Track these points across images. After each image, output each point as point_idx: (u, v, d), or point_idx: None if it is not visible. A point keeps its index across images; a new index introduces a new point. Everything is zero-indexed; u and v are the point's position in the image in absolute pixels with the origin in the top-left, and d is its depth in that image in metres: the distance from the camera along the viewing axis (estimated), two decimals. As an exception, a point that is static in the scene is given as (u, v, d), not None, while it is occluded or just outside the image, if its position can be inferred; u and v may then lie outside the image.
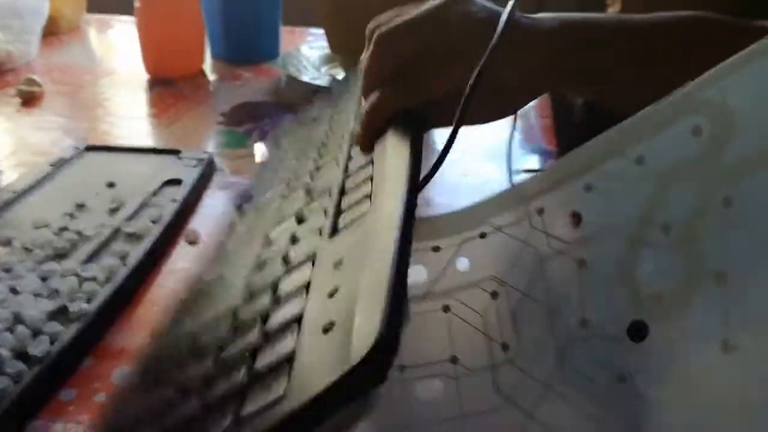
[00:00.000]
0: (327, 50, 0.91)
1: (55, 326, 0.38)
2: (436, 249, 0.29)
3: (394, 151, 0.29)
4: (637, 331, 0.21)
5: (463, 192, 0.58)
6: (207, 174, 0.59)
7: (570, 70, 0.38)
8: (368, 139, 0.34)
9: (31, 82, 0.80)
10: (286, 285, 0.23)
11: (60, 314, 0.39)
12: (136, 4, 0.85)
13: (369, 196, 0.26)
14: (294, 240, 0.28)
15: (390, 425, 0.26)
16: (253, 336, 0.21)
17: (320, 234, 0.26)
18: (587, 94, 0.45)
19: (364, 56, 0.38)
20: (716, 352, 0.19)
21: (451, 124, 0.32)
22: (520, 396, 0.23)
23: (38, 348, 0.36)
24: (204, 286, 0.36)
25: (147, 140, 0.70)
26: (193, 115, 0.77)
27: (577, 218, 0.24)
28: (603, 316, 0.22)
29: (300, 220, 0.30)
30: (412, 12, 0.37)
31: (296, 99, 0.81)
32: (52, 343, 0.37)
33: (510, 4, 0.35)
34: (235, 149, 0.67)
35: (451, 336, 0.26)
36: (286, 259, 0.26)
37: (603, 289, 0.22)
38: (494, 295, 0.26)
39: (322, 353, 0.18)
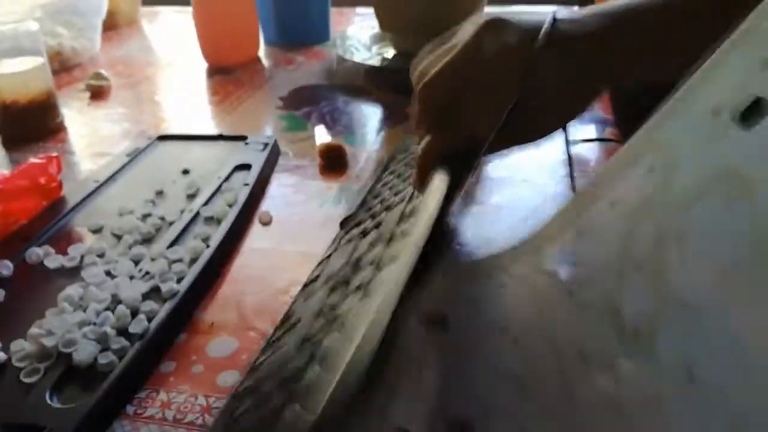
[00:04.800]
0: (376, 29, 0.91)
1: (150, 305, 0.41)
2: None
3: (431, 192, 0.33)
4: None
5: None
6: (273, 157, 0.62)
7: (621, 65, 0.37)
8: (420, 180, 0.38)
9: (99, 76, 0.83)
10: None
11: (154, 294, 0.42)
12: (192, -5, 0.87)
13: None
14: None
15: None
16: None
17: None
18: (642, 78, 0.43)
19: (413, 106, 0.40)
20: (682, 382, 0.20)
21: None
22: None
23: (138, 326, 0.39)
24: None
25: (211, 126, 0.73)
26: (252, 100, 0.79)
27: None
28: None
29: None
30: (447, 46, 0.38)
31: (349, 80, 0.83)
32: (149, 320, 0.39)
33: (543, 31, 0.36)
34: (296, 132, 0.69)
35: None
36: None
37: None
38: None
39: None
